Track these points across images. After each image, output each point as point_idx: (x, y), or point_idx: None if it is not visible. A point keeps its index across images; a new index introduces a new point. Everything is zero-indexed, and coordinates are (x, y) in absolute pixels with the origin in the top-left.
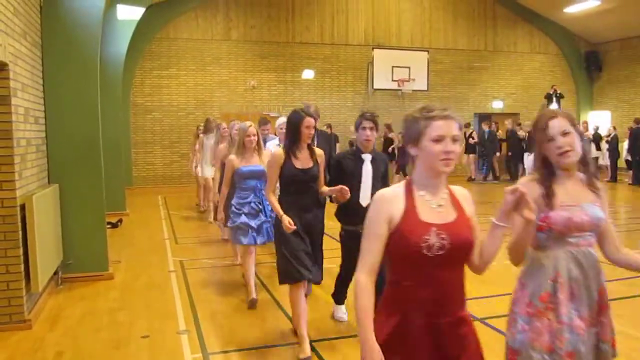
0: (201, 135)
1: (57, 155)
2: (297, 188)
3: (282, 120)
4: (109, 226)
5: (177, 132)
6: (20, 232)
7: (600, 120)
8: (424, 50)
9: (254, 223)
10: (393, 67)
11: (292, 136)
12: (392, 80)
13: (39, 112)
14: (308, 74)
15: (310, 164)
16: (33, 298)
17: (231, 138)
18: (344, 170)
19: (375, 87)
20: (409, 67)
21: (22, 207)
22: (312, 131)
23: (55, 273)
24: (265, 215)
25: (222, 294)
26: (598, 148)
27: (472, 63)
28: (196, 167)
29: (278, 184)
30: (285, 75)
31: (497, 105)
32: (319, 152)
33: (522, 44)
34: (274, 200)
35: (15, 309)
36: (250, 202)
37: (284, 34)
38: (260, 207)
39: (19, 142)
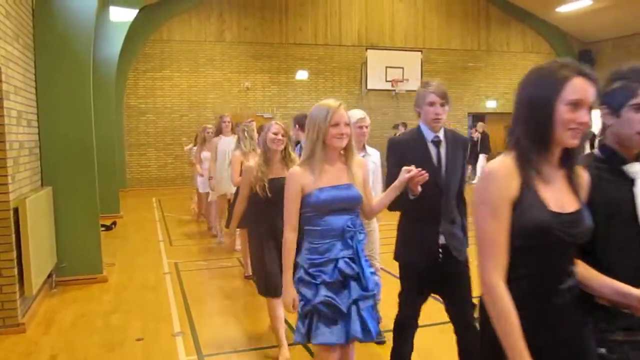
0: (214, 138)
1: (50, 157)
2: (546, 256)
3: (358, 114)
4: (102, 229)
5: (170, 134)
6: (13, 236)
7: (592, 118)
8: (418, 51)
9: (342, 302)
10: (387, 67)
11: (540, 130)
12: (386, 81)
13: (31, 115)
14: (302, 75)
15: (576, 204)
16: (27, 301)
17: (266, 146)
18: (604, 200)
19: (368, 87)
20: (402, 68)
21: (15, 211)
22: (588, 118)
23: (49, 276)
24: (363, 287)
25: (216, 296)
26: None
27: (466, 63)
28: (210, 179)
29: None
30: (279, 77)
31: (491, 105)
32: (584, 174)
33: (515, 43)
34: (508, 303)
35: (9, 312)
36: (336, 260)
37: (278, 35)
38: (355, 269)
39: (12, 145)
